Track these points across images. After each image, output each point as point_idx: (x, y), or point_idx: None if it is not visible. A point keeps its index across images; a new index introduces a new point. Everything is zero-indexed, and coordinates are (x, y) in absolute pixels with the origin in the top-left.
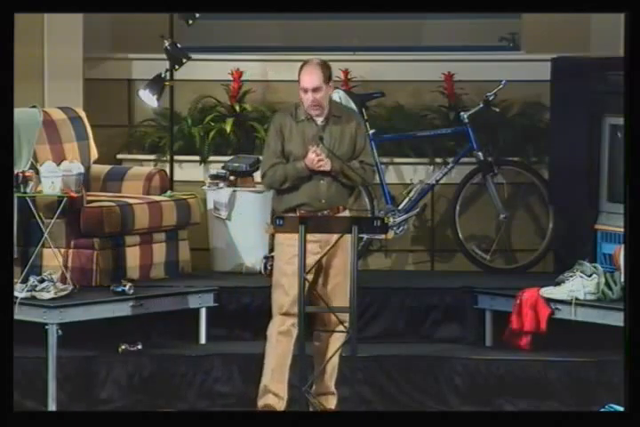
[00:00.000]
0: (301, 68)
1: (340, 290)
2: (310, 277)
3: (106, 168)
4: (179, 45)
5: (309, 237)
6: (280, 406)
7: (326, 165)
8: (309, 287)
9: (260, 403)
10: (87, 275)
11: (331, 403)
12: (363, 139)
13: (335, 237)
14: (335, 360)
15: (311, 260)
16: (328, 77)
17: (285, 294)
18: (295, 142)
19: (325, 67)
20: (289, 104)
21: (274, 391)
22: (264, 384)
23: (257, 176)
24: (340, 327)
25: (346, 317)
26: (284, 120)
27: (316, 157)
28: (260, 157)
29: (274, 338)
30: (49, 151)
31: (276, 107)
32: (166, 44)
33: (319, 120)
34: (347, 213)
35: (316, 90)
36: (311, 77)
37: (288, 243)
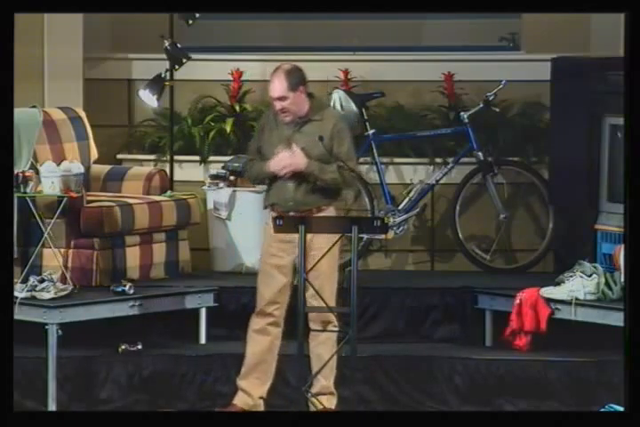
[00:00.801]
0: (271, 74)
1: (322, 293)
2: (287, 278)
3: (106, 168)
4: (179, 45)
5: (283, 236)
6: (250, 404)
7: (288, 169)
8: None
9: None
10: (87, 275)
11: (331, 403)
12: (342, 143)
13: (309, 237)
14: (332, 360)
15: (286, 260)
16: (296, 84)
17: (260, 293)
18: (269, 142)
19: (292, 73)
20: None
21: (244, 389)
22: (237, 382)
23: None
24: (330, 327)
25: (333, 317)
26: (267, 120)
27: (281, 161)
28: None
29: (249, 336)
30: (49, 151)
31: None
32: (166, 44)
33: (296, 124)
34: (331, 212)
35: (281, 99)
36: (275, 87)
37: (267, 243)
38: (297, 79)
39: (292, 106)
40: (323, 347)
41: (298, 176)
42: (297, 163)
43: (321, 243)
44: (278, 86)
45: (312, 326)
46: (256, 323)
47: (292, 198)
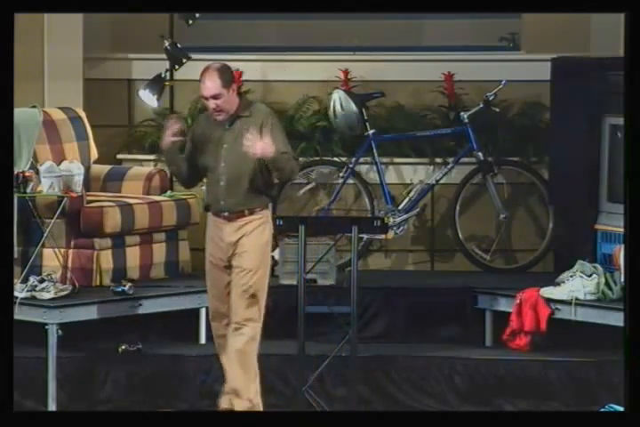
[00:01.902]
0: (201, 74)
1: (248, 290)
2: (230, 276)
3: (106, 168)
4: (179, 45)
5: (215, 236)
6: (242, 405)
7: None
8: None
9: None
10: (87, 275)
11: (239, 405)
12: (277, 137)
13: (237, 238)
14: (232, 357)
15: (218, 259)
16: (228, 81)
17: (209, 293)
18: (199, 142)
19: (224, 71)
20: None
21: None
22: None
23: None
24: (250, 324)
25: (251, 314)
26: (201, 122)
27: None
28: None
29: (216, 344)
30: (49, 151)
31: (276, 107)
32: (166, 44)
33: (227, 123)
34: (265, 215)
35: (215, 97)
36: (208, 85)
37: (206, 241)
38: (229, 77)
39: (225, 104)
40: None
41: (227, 176)
42: (268, 149)
43: (250, 240)
44: (211, 85)
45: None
46: (216, 328)
47: (223, 198)
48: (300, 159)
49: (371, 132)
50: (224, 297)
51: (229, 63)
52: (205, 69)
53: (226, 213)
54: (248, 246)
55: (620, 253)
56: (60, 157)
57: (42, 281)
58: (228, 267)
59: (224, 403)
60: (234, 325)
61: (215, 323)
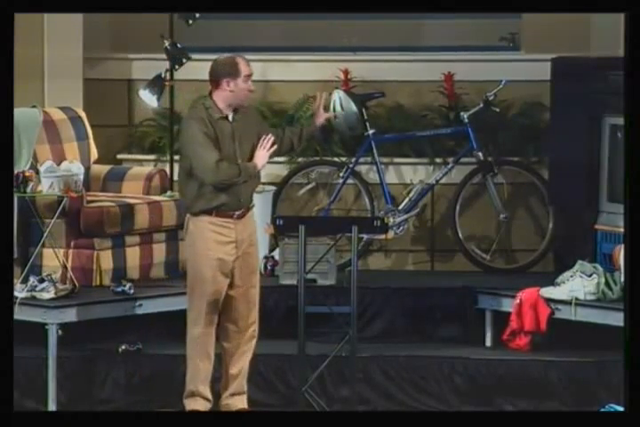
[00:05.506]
0: (236, 60)
1: (256, 293)
2: (227, 281)
3: (106, 168)
4: (179, 45)
5: (222, 238)
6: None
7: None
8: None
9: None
10: (87, 275)
11: (244, 402)
12: (267, 127)
13: (247, 235)
14: (248, 360)
15: (229, 262)
16: None
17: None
18: (222, 137)
19: None
20: (196, 103)
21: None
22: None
23: None
24: (253, 328)
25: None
26: (202, 119)
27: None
28: None
29: (197, 344)
30: (49, 151)
31: (276, 107)
32: (166, 44)
33: (230, 116)
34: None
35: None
36: (248, 66)
37: (205, 247)
38: None
39: None
40: (242, 347)
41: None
42: (268, 152)
43: (253, 240)
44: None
45: (236, 326)
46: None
47: (244, 196)
48: (300, 159)
49: (371, 132)
50: (219, 305)
51: None
52: (238, 55)
53: (241, 211)
54: (254, 243)
55: (619, 253)
56: (60, 157)
57: (42, 281)
58: (232, 268)
59: (233, 406)
60: (250, 331)
61: (205, 329)
